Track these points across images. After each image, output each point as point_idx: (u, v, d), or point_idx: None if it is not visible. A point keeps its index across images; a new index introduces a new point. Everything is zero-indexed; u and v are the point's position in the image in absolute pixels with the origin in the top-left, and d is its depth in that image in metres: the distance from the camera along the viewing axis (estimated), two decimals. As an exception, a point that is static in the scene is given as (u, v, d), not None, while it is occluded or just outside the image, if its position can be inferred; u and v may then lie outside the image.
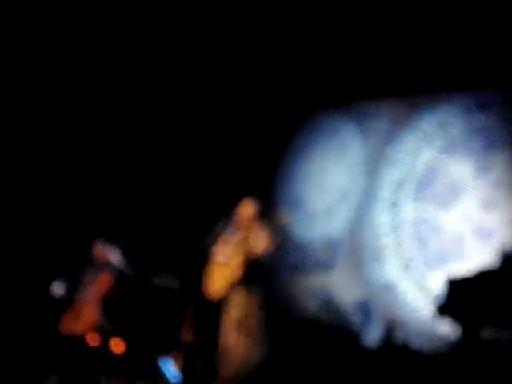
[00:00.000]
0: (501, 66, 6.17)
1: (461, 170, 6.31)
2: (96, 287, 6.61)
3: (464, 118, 6.40)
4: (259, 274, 5.82)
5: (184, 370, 6.71)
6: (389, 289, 6.47)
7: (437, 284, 5.96)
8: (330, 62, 7.38)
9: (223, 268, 5.96)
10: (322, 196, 7.22)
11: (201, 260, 6.33)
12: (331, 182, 7.17)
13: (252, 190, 6.58)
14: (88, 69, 7.78)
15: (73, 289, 6.70)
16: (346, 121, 7.17)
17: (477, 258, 5.86)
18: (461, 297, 5.31)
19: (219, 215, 6.48)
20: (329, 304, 6.96)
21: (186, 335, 6.87)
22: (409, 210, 6.54)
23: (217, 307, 5.96)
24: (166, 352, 6.70)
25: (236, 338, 5.78)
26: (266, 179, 7.74)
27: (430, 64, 6.58)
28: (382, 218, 6.66)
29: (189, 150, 8.27)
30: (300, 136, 7.50)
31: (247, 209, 5.99)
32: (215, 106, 8.17)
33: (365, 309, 6.53)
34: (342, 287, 6.78)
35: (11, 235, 7.60)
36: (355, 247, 6.80)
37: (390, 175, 6.72)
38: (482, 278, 5.27)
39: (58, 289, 6.66)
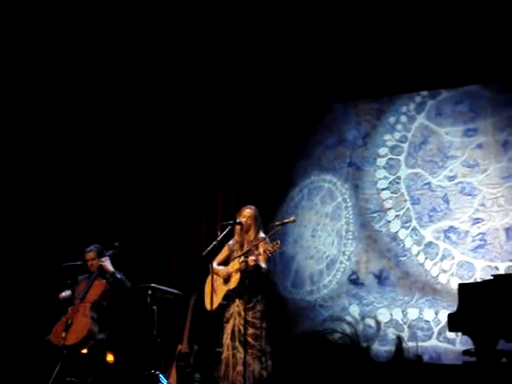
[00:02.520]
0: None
1: (448, 132, 6.74)
2: (90, 295, 6.31)
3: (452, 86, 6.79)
4: (259, 283, 5.69)
5: (182, 381, 6.48)
6: (393, 237, 6.86)
7: (428, 234, 6.68)
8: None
9: (222, 277, 5.82)
10: (311, 261, 7.20)
11: (200, 269, 6.28)
12: (321, 248, 7.20)
13: (251, 198, 6.59)
14: (78, 74, 7.51)
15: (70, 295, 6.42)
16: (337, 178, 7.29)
17: (461, 213, 6.52)
18: (475, 308, 5.24)
19: (218, 223, 6.44)
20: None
21: (184, 346, 6.71)
22: (403, 170, 6.92)
23: (216, 318, 5.84)
24: (163, 362, 6.40)
25: (235, 348, 5.63)
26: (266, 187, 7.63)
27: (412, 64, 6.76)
28: (380, 175, 7.06)
29: (188, 157, 7.96)
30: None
31: (246, 217, 5.86)
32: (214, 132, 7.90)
33: (382, 276, 6.82)
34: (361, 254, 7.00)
35: (5, 241, 7.27)
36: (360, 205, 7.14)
37: (388, 137, 7.07)
38: (495, 289, 5.21)
39: (65, 293, 6.41)
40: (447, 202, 6.60)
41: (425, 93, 6.95)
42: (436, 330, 6.42)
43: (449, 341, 6.33)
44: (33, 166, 7.60)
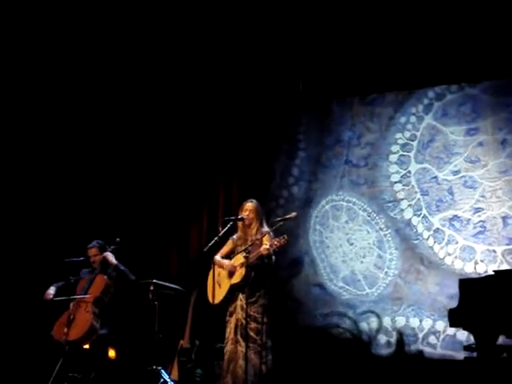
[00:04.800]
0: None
1: (453, 131, 7.30)
2: (92, 290, 6.19)
3: (457, 87, 7.33)
4: (262, 278, 5.59)
5: (184, 377, 6.40)
6: (407, 224, 7.36)
7: (436, 222, 7.31)
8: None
9: (225, 272, 5.73)
10: (367, 259, 7.53)
11: (202, 264, 6.20)
12: (364, 243, 7.58)
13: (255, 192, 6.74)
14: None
15: (67, 292, 6.30)
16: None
17: (464, 203, 7.14)
18: (476, 304, 5.32)
19: (219, 217, 6.74)
20: None
21: (186, 341, 6.66)
22: (413, 165, 7.38)
23: (217, 313, 5.73)
24: (165, 358, 6.26)
25: (238, 342, 5.53)
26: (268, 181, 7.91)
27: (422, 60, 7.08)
28: (392, 170, 7.60)
29: (190, 150, 7.98)
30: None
31: (248, 210, 5.78)
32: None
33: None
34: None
35: (8, 238, 7.24)
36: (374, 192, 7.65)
37: (399, 135, 7.59)
38: (496, 285, 5.27)
39: (50, 293, 6.27)
40: (452, 193, 7.17)
41: (432, 95, 7.47)
42: (420, 335, 7.06)
43: (431, 346, 7.03)
44: (34, 162, 7.56)
